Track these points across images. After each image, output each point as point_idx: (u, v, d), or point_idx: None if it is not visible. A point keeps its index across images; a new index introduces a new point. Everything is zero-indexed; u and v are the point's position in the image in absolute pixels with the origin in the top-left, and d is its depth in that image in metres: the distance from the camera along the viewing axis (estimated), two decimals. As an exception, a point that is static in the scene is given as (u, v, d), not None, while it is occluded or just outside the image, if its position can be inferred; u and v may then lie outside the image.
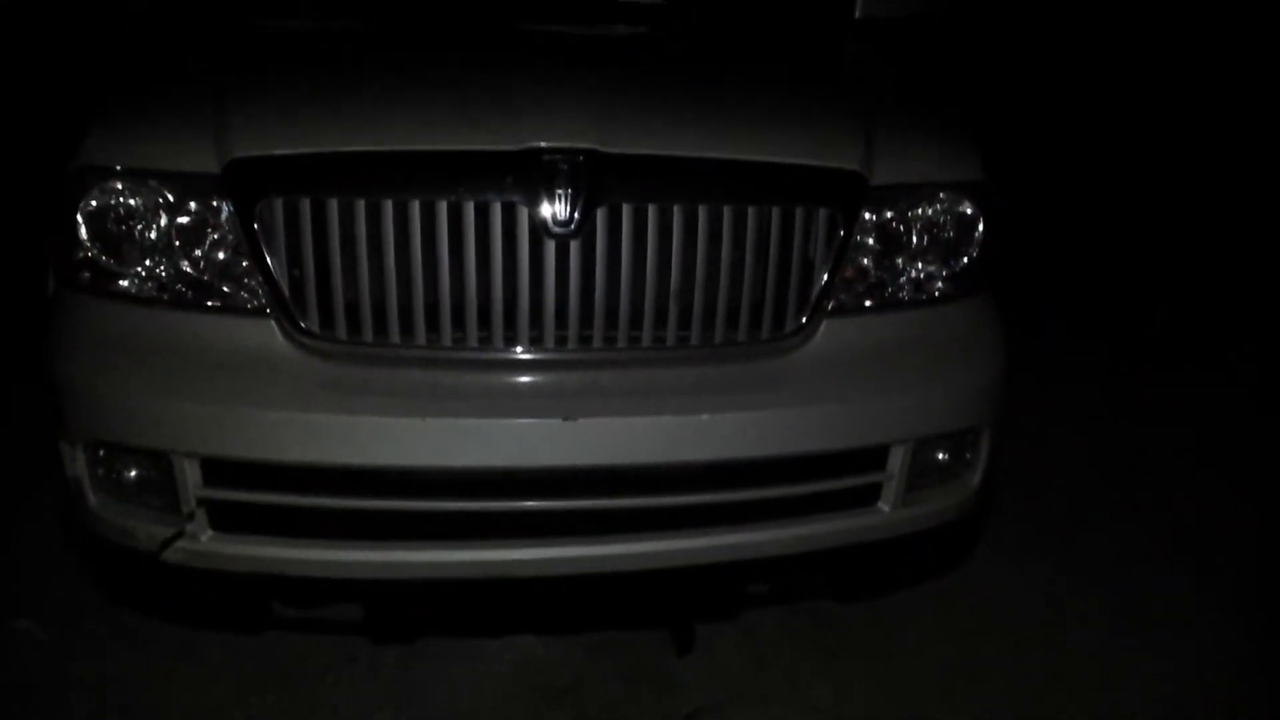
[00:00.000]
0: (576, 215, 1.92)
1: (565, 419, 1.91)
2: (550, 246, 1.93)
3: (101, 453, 2.02)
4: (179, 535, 1.97)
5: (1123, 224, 6.46)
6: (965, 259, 2.23)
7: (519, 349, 1.99)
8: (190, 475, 1.94)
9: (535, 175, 1.91)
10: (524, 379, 2.00)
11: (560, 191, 1.91)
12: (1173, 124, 7.71)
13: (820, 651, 2.60)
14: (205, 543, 1.98)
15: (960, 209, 2.21)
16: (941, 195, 2.20)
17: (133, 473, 2.02)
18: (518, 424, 1.93)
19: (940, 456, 2.22)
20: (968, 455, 2.26)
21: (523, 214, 1.92)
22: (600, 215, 1.94)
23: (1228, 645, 2.70)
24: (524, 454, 1.94)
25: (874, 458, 2.12)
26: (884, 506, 2.16)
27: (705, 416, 1.98)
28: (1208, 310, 5.30)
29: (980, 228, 2.22)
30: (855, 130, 2.17)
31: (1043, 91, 7.93)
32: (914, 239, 2.19)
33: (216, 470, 1.94)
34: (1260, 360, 4.67)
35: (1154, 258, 5.95)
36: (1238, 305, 5.39)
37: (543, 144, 1.94)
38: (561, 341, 1.99)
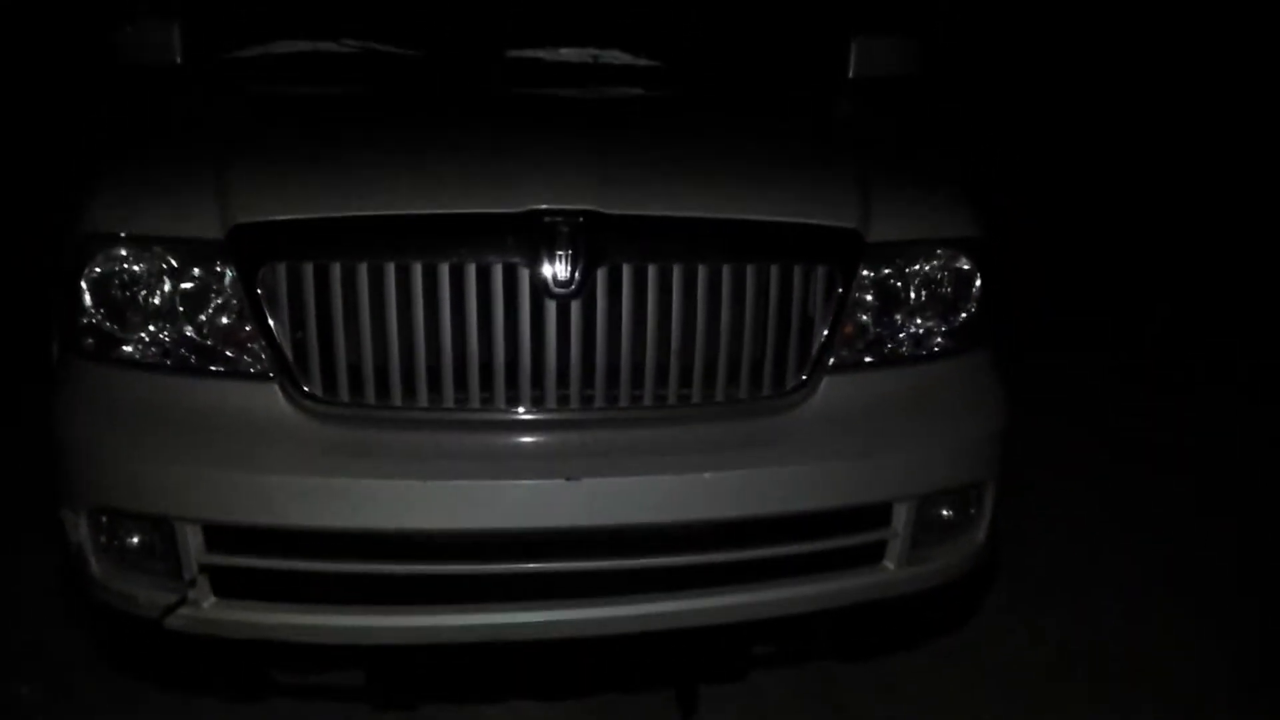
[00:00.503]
0: (577, 276, 1.93)
1: (568, 479, 1.91)
2: (551, 307, 1.94)
3: (104, 519, 2.01)
4: (181, 602, 1.96)
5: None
6: (964, 314, 2.24)
7: (521, 409, 1.99)
8: (193, 541, 1.93)
9: (536, 237, 1.93)
10: (526, 439, 2.00)
11: (561, 252, 1.93)
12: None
13: (827, 713, 2.57)
14: (208, 609, 1.97)
15: (957, 265, 2.23)
16: (939, 252, 2.22)
17: (135, 539, 2.01)
18: (520, 485, 1.93)
19: (944, 513, 2.22)
20: (972, 510, 2.26)
21: (524, 275, 1.93)
22: (601, 275, 1.95)
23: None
24: (527, 515, 1.93)
25: (878, 515, 2.12)
26: (889, 564, 2.15)
27: (708, 475, 1.98)
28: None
29: (978, 283, 2.24)
30: (852, 188, 2.20)
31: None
32: (912, 295, 2.21)
33: (219, 536, 1.94)
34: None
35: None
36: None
37: (543, 206, 1.96)
38: (563, 401, 1.99)
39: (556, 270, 1.93)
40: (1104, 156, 7.37)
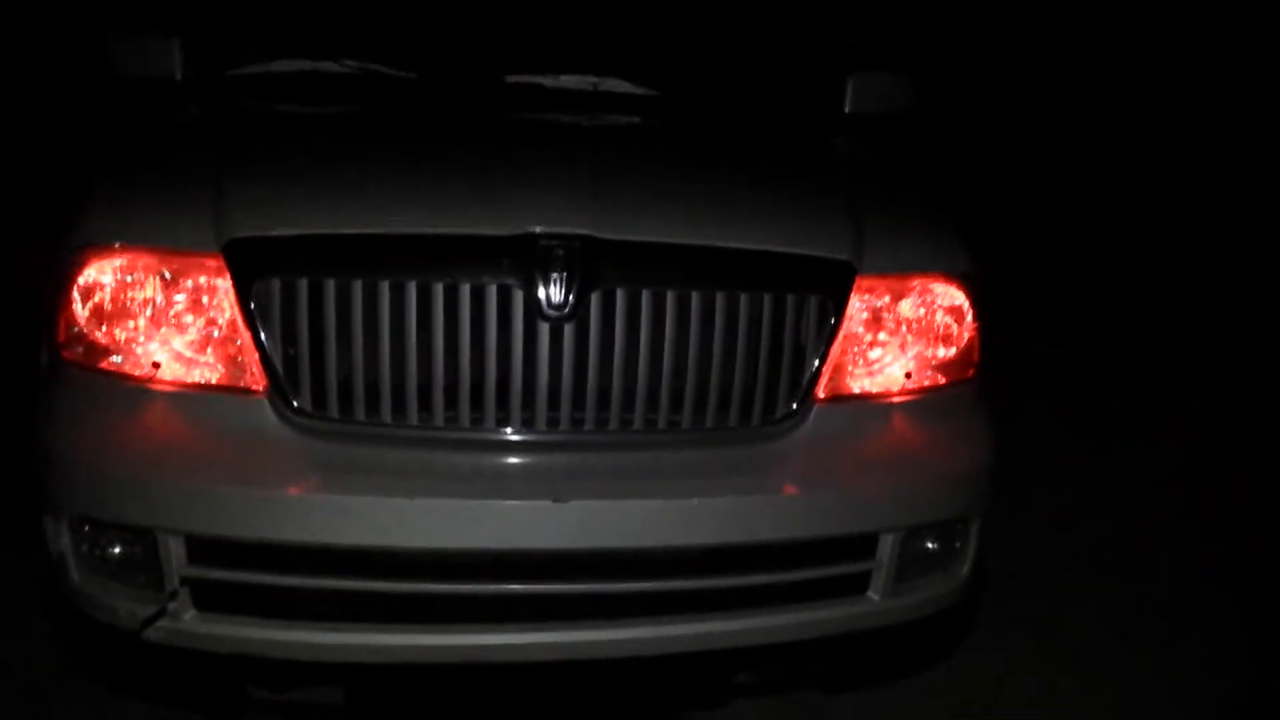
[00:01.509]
0: (571, 299, 1.94)
1: (555, 501, 1.91)
2: (544, 329, 1.95)
3: (87, 528, 2.00)
4: (161, 614, 1.95)
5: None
6: (953, 348, 2.25)
7: (510, 430, 1.99)
8: (175, 553, 1.92)
9: (531, 259, 1.94)
10: (515, 460, 2.00)
11: (555, 276, 1.94)
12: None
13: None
14: (188, 622, 1.95)
15: (948, 299, 2.25)
16: (930, 285, 2.24)
17: (117, 549, 1.99)
18: (508, 505, 1.92)
19: (930, 545, 2.22)
20: (957, 544, 2.26)
21: (518, 297, 1.94)
22: (594, 299, 1.96)
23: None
24: (513, 536, 1.93)
25: (864, 546, 2.12)
26: (874, 595, 2.15)
27: (695, 501, 1.98)
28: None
29: (968, 318, 2.26)
30: (845, 220, 2.21)
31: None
32: (903, 328, 2.22)
33: (202, 549, 1.92)
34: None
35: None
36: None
37: (539, 229, 1.97)
38: (553, 423, 1.99)
39: (550, 293, 1.93)
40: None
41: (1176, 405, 4.58)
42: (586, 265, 1.95)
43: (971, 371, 2.30)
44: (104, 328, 2.03)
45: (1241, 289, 5.56)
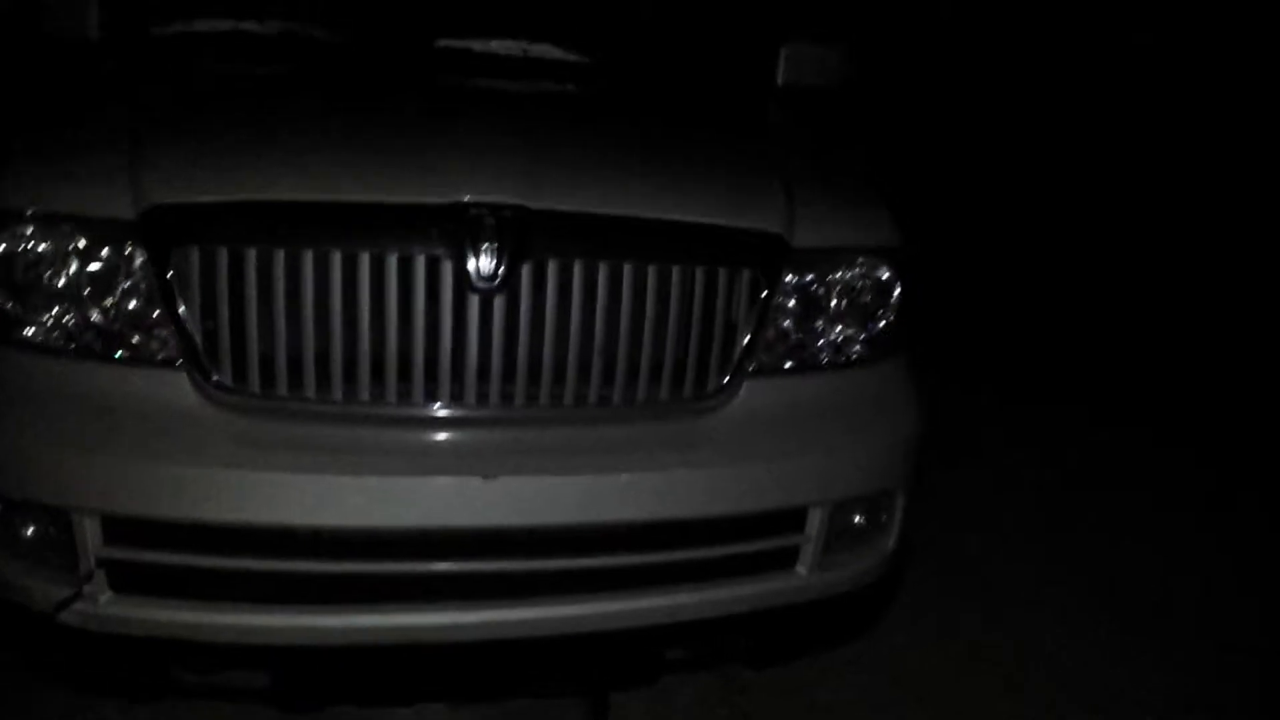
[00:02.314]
0: (501, 270, 1.90)
1: (484, 478, 1.89)
2: (474, 301, 1.91)
3: (-1, 508, 1.93)
4: (77, 596, 1.89)
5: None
6: (882, 322, 2.27)
7: (439, 405, 1.96)
8: (90, 533, 1.86)
9: (461, 229, 1.90)
10: (443, 436, 1.97)
11: (486, 246, 1.90)
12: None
13: (733, 718, 2.58)
14: (104, 604, 1.90)
15: (878, 273, 2.26)
16: (860, 260, 2.24)
17: (30, 529, 1.93)
18: (435, 482, 1.90)
19: (857, 519, 2.24)
20: (883, 518, 2.29)
21: (447, 268, 1.90)
22: (525, 271, 1.93)
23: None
24: (441, 513, 1.90)
25: (793, 520, 2.13)
26: (801, 570, 2.17)
27: (625, 476, 1.97)
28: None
29: (897, 292, 2.27)
30: (778, 193, 2.21)
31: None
32: (833, 302, 2.23)
33: (118, 528, 1.87)
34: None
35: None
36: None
37: (469, 198, 1.93)
38: (483, 398, 1.96)
39: (481, 264, 1.90)
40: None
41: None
42: (518, 236, 1.92)
43: (900, 346, 2.32)
44: (15, 298, 1.95)
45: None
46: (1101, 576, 3.36)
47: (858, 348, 2.25)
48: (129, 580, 1.91)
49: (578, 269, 1.96)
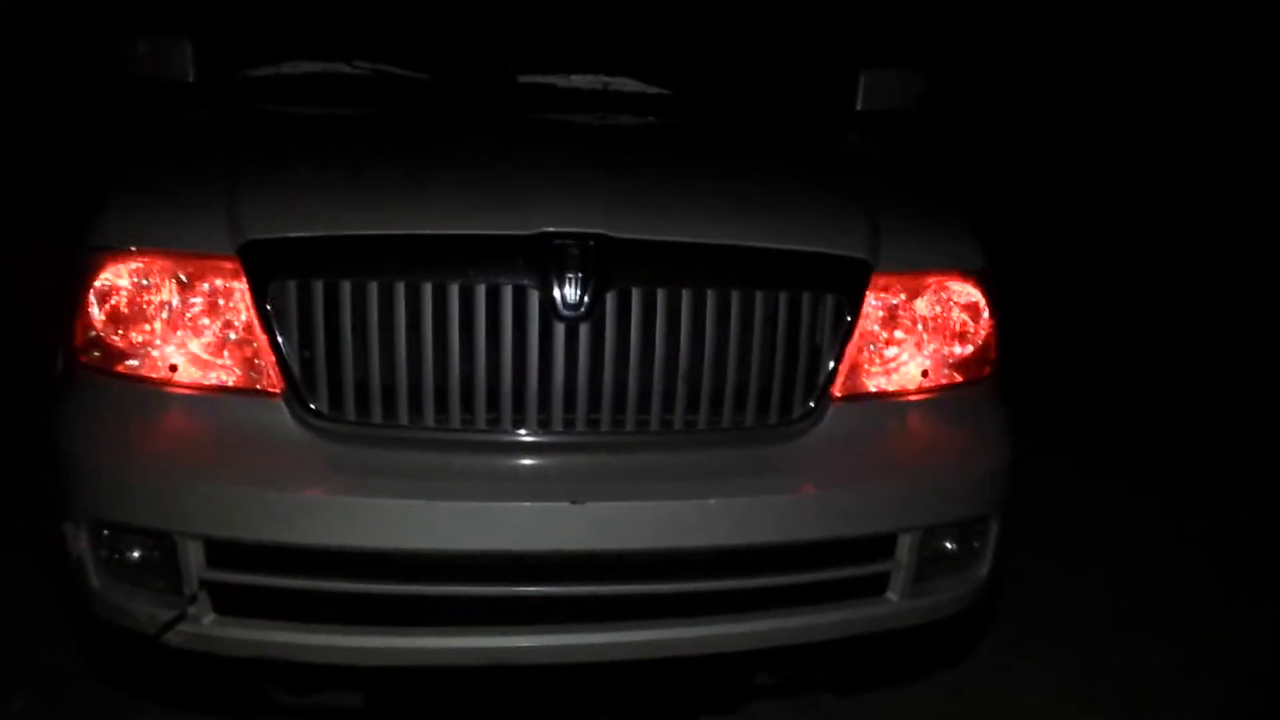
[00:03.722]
0: (586, 299, 1.93)
1: (572, 502, 1.90)
2: (559, 329, 1.94)
3: (105, 533, 2.00)
4: (180, 618, 1.95)
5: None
6: (970, 346, 2.24)
7: (526, 431, 1.98)
8: (194, 557, 1.92)
9: (546, 259, 1.94)
10: (531, 461, 2.00)
11: (570, 275, 1.93)
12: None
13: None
14: (207, 626, 1.95)
15: (964, 296, 2.24)
16: (946, 282, 2.23)
17: (136, 553, 2.00)
18: (524, 507, 1.92)
19: (948, 545, 2.21)
20: (976, 544, 2.25)
21: (533, 297, 1.93)
22: (609, 299, 1.95)
23: None
24: (530, 538, 1.92)
25: (882, 546, 2.11)
26: (892, 596, 2.14)
27: (712, 501, 1.97)
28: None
29: (985, 315, 2.24)
30: (860, 218, 2.20)
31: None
32: (919, 326, 2.21)
33: (220, 552, 1.92)
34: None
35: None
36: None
37: (553, 229, 1.96)
38: (569, 424, 1.98)
39: (565, 293, 1.93)
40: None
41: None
42: (601, 265, 1.94)
43: (988, 369, 2.29)
44: (120, 331, 2.03)
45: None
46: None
47: (945, 371, 2.23)
48: (231, 602, 1.96)
49: (661, 296, 1.98)
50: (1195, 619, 3.18)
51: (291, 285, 1.94)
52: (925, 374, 2.22)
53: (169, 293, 2.02)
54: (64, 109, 6.18)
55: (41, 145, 6.13)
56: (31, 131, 6.25)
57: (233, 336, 2.01)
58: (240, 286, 1.98)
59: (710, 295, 2.00)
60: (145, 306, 2.03)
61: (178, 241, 2.02)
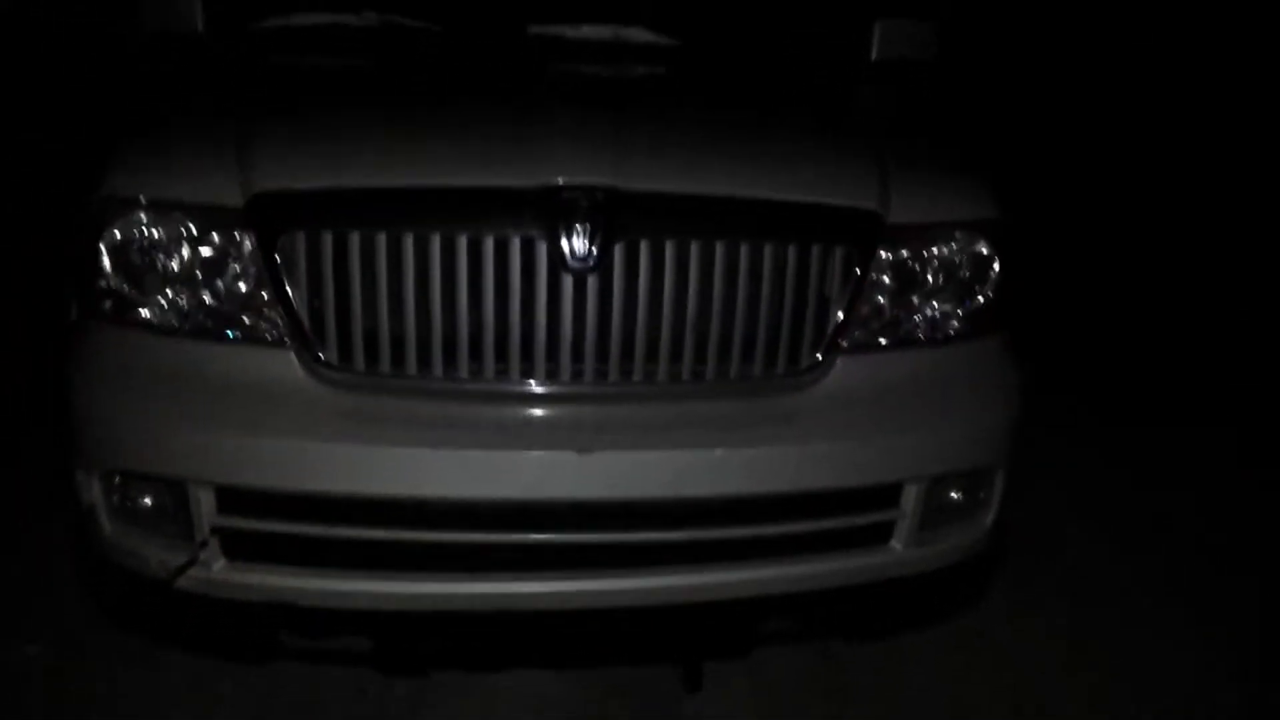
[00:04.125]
0: (595, 251, 1.93)
1: (580, 452, 1.92)
2: (568, 281, 1.94)
3: (118, 480, 2.03)
4: (192, 563, 1.98)
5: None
6: (981, 298, 2.24)
7: (535, 382, 1.99)
8: (205, 503, 1.95)
9: (554, 211, 1.93)
10: (539, 412, 2.01)
11: (579, 227, 1.93)
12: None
13: (829, 692, 2.58)
14: (218, 571, 1.98)
15: (976, 248, 2.22)
16: (957, 234, 2.21)
17: (148, 500, 2.02)
18: (532, 456, 1.93)
19: (954, 496, 2.22)
20: (981, 495, 2.26)
21: (541, 249, 1.93)
22: (618, 251, 1.95)
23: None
24: (538, 486, 1.94)
25: (887, 495, 2.12)
26: (897, 545, 2.16)
27: (719, 452, 1.98)
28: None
29: (996, 267, 2.23)
30: (872, 169, 2.19)
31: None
32: (930, 277, 2.20)
33: (231, 499, 1.95)
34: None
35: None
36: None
37: (562, 180, 1.96)
38: (577, 375, 1.99)
39: (574, 244, 1.93)
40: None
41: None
42: (610, 216, 1.94)
43: (998, 321, 2.28)
44: (131, 281, 2.04)
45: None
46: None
47: (955, 323, 2.23)
48: (241, 548, 1.99)
49: (670, 248, 1.97)
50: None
51: (300, 236, 1.95)
52: (935, 326, 2.22)
53: (179, 243, 2.03)
54: (80, 62, 6.17)
55: (59, 97, 6.12)
56: (48, 83, 6.24)
57: (242, 287, 2.02)
58: (250, 237, 1.99)
59: (719, 247, 1.99)
60: (155, 257, 2.03)
61: (187, 193, 2.02)
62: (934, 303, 2.21)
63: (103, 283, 2.04)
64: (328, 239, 1.94)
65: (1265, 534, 3.51)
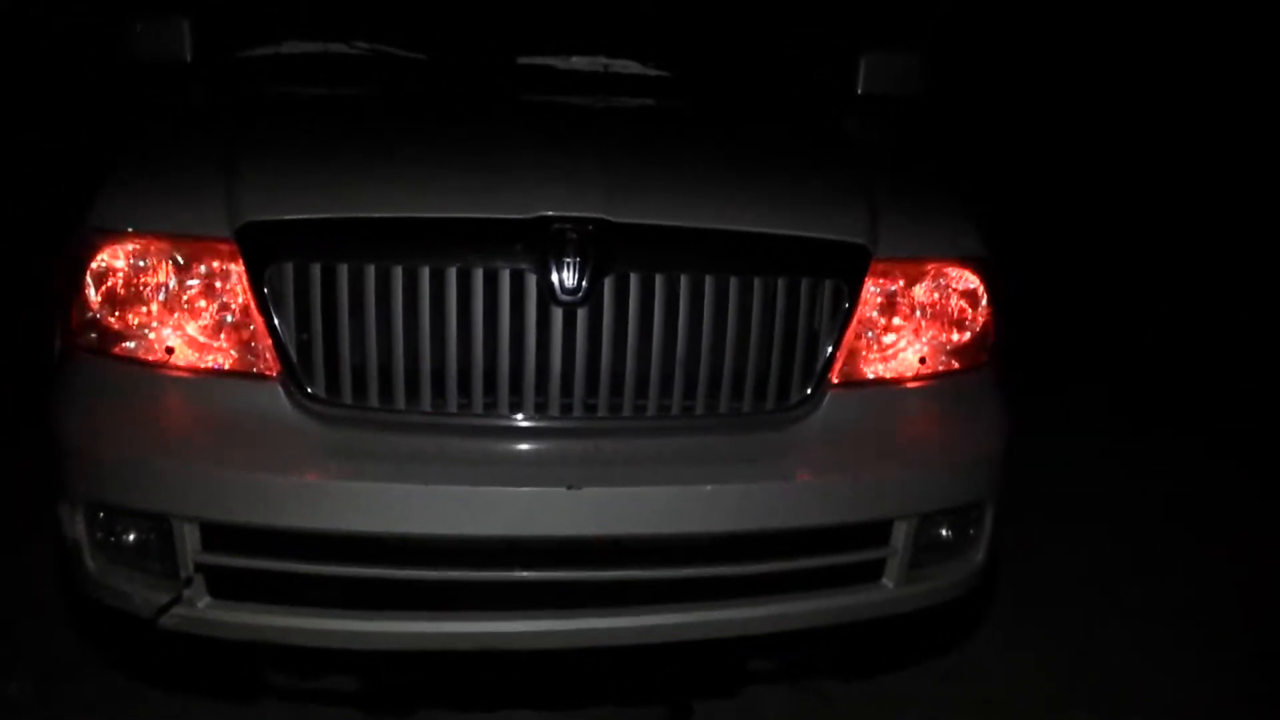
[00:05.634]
0: (584, 284, 1.92)
1: (569, 488, 1.90)
2: (557, 314, 1.94)
3: (101, 515, 2.00)
4: (176, 601, 1.95)
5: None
6: (969, 333, 2.24)
7: (523, 416, 1.98)
8: (190, 540, 1.92)
9: (544, 244, 1.93)
10: (528, 446, 1.99)
11: (569, 260, 1.92)
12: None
13: (821, 730, 2.56)
14: (202, 609, 1.95)
15: (963, 283, 2.23)
16: (945, 269, 2.22)
17: (131, 536, 2.00)
18: (521, 492, 1.92)
19: (944, 532, 2.21)
20: (971, 531, 2.25)
21: (531, 281, 1.93)
22: (608, 284, 1.95)
23: None
24: (526, 523, 1.92)
25: (878, 532, 2.11)
26: (888, 582, 2.14)
27: (709, 488, 1.97)
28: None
29: (984, 303, 2.24)
30: (860, 204, 2.19)
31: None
32: (918, 313, 2.21)
33: (216, 535, 1.92)
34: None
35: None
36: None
37: (551, 213, 1.95)
38: (566, 409, 1.98)
39: (564, 277, 1.92)
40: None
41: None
42: (600, 249, 1.94)
43: (986, 356, 2.28)
44: (117, 313, 2.02)
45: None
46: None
47: (944, 358, 2.23)
48: (226, 585, 1.96)
49: (659, 281, 1.97)
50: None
51: (289, 268, 1.94)
52: (923, 361, 2.21)
53: (166, 275, 2.02)
54: (66, 91, 6.17)
55: (46, 126, 6.11)
56: (35, 112, 6.23)
57: (229, 319, 2.01)
58: (237, 269, 1.98)
59: (708, 280, 1.99)
60: (142, 289, 2.02)
61: (175, 223, 2.01)
62: (923, 338, 2.21)
63: (87, 314, 2.02)
64: (316, 270, 1.93)
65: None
